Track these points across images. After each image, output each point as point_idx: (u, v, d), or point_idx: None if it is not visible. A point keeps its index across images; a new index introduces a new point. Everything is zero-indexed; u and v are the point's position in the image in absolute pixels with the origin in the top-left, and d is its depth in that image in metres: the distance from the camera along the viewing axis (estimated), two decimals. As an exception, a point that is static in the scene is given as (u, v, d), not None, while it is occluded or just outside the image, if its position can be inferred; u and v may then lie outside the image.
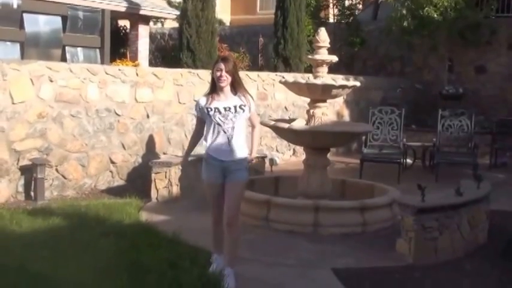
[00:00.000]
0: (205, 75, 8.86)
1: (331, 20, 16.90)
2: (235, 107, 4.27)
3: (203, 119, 4.35)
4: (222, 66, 4.25)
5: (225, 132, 4.25)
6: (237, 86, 4.33)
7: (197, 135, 4.50)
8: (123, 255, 4.59)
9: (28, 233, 5.18)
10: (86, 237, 5.00)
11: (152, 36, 17.12)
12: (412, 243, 4.99)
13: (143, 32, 14.67)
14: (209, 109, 4.26)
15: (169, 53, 16.00)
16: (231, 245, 4.35)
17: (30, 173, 6.87)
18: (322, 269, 4.80)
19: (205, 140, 4.33)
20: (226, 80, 4.26)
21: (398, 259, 5.06)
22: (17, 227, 5.35)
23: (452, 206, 5.15)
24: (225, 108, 4.25)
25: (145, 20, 14.75)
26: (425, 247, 5.01)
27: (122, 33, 16.11)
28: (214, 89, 4.31)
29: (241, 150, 4.33)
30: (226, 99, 4.30)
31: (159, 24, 19.60)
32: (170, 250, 4.80)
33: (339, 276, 4.61)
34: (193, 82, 8.90)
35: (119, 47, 15.09)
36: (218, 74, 4.25)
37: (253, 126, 4.50)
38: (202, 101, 4.34)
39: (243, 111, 4.31)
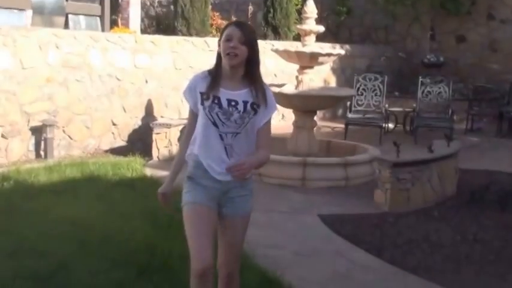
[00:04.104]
0: (200, 42, 9.40)
1: (318, -11, 17.30)
2: (245, 103, 2.75)
3: (196, 113, 2.83)
4: (236, 33, 2.71)
5: (221, 138, 2.76)
6: (254, 72, 2.79)
7: (188, 142, 2.90)
8: (134, 203, 5.22)
9: (47, 184, 5.80)
10: (99, 187, 5.63)
11: (142, 3, 17.42)
12: (387, 193, 5.69)
13: (134, -2, 14.97)
14: (204, 97, 2.75)
15: (160, 21, 16.37)
16: None
17: (40, 133, 7.44)
18: (309, 214, 5.49)
19: (193, 144, 2.85)
20: (239, 56, 2.71)
21: (375, 207, 5.76)
22: (35, 180, 5.96)
23: (423, 161, 5.85)
24: (229, 102, 2.74)
25: (136, -14, 15.03)
26: (399, 197, 5.71)
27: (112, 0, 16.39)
28: (219, 70, 2.79)
29: None
30: (235, 88, 2.77)
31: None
32: (175, 198, 5.41)
33: (324, 221, 5.31)
34: (188, 49, 9.42)
35: (110, 14, 15.43)
36: (228, 45, 2.70)
37: (258, 146, 2.83)
38: (198, 82, 2.80)
39: (255, 113, 2.77)
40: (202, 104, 2.78)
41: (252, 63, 2.77)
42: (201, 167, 2.81)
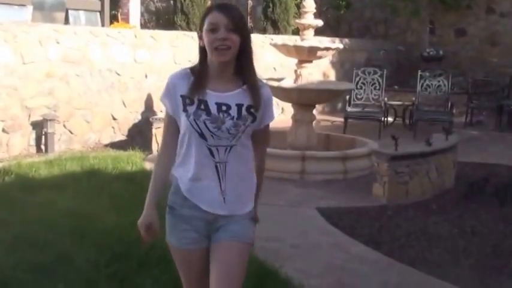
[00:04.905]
0: (200, 37, 9.41)
1: (318, -17, 17.30)
2: (239, 107, 2.21)
3: (176, 122, 2.26)
4: (222, 19, 2.14)
5: (212, 155, 2.20)
6: (248, 66, 2.24)
7: (166, 159, 2.31)
8: (134, 196, 5.25)
9: (48, 178, 5.84)
10: (100, 181, 5.67)
11: (141, -2, 17.43)
12: (386, 186, 5.73)
13: (134, -7, 15.00)
14: (187, 101, 2.19)
15: (160, 16, 16.39)
16: None
17: (40, 127, 7.47)
18: (308, 208, 5.53)
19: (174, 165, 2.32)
20: (231, 49, 2.16)
21: (374, 200, 5.80)
22: (36, 174, 6.00)
23: (421, 154, 5.89)
24: (219, 106, 2.19)
25: (136, -18, 15.06)
26: (398, 190, 5.75)
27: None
28: (204, 67, 2.23)
29: (244, 195, 2.32)
30: (225, 88, 2.22)
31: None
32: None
33: (322, 214, 5.35)
34: (188, 44, 9.44)
35: (110, 9, 15.45)
36: (215, 36, 2.13)
37: (255, 155, 2.34)
38: (177, 83, 2.23)
39: (254, 119, 2.23)
40: (184, 110, 2.18)
41: (244, 55, 2.21)
42: (180, 194, 2.25)
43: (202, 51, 2.23)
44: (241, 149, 2.24)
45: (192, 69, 2.26)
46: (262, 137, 2.36)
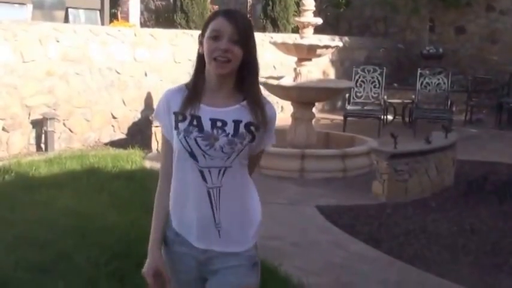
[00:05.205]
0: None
1: (318, -19, 17.31)
2: (236, 123, 1.95)
3: (171, 142, 2.01)
4: (227, 28, 1.91)
5: (204, 178, 1.93)
6: (251, 81, 1.99)
7: (168, 188, 2.03)
8: (134, 195, 5.27)
9: (48, 177, 5.86)
10: (100, 179, 5.69)
11: (141, -3, 17.44)
12: (385, 184, 5.74)
13: (133, -8, 15.00)
14: (179, 118, 1.95)
15: (159, 14, 16.40)
16: None
17: (40, 126, 7.48)
18: (308, 206, 5.54)
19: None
20: (231, 63, 1.93)
21: (373, 198, 5.81)
22: (36, 173, 6.01)
23: (420, 152, 5.90)
24: (213, 122, 1.94)
25: (136, -20, 15.06)
26: (397, 188, 5.76)
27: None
28: (199, 79, 1.99)
29: (243, 227, 2.02)
30: (221, 103, 1.97)
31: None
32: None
33: (322, 212, 5.36)
34: (187, 42, 9.44)
35: (109, 7, 15.46)
36: (217, 45, 1.91)
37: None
38: (172, 99, 2.00)
39: (253, 138, 1.97)
40: (176, 127, 1.94)
41: (248, 68, 1.96)
42: (174, 227, 2.00)
43: (201, 59, 1.98)
44: (237, 171, 1.95)
45: (187, 84, 2.02)
46: (252, 163, 2.05)
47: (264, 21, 12.73)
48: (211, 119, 1.93)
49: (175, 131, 1.95)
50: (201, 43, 1.97)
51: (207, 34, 1.93)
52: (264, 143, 2.04)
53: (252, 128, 1.95)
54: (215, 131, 1.92)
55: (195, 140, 1.91)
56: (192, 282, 2.02)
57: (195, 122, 1.93)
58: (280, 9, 12.60)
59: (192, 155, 1.92)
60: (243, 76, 1.97)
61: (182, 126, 1.93)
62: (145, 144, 7.78)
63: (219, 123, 1.93)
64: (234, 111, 1.95)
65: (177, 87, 2.03)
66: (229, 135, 1.92)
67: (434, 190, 6.05)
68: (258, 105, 1.96)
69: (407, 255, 4.45)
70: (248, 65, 1.97)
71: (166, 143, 2.02)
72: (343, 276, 4.06)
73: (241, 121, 1.94)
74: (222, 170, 1.93)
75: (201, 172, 1.92)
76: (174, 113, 1.96)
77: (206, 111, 1.94)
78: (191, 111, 1.94)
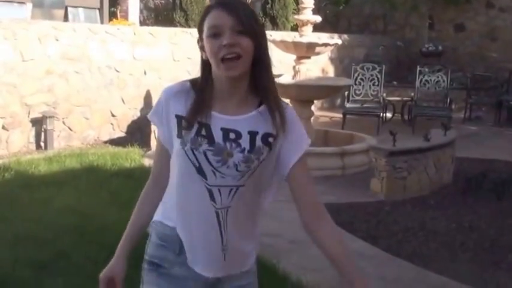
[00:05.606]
0: (198, 34, 9.42)
1: (317, -21, 17.29)
2: (252, 135, 1.66)
3: (169, 152, 1.74)
4: (226, 19, 1.60)
5: (213, 198, 1.67)
6: (265, 79, 1.68)
7: (153, 198, 1.83)
8: (133, 193, 5.27)
9: (47, 175, 5.87)
10: (99, 177, 5.70)
11: (141, -5, 17.44)
12: (384, 182, 5.75)
13: (133, -10, 15.01)
14: (184, 124, 1.67)
15: (159, 13, 16.40)
16: None
17: (40, 124, 7.49)
18: (306, 203, 5.54)
19: (163, 204, 1.82)
20: (242, 58, 1.61)
21: (372, 196, 5.83)
22: (36, 171, 6.03)
23: (419, 150, 5.91)
24: (225, 133, 1.65)
25: (136, -21, 15.08)
26: (395, 185, 5.77)
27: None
28: (208, 84, 1.68)
29: (247, 253, 1.82)
30: (235, 110, 1.68)
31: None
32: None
33: (320, 209, 5.35)
34: (187, 41, 9.42)
35: (109, 6, 15.48)
36: (219, 42, 1.60)
37: (308, 206, 1.97)
38: (173, 99, 1.70)
39: (269, 149, 1.68)
40: (179, 136, 1.65)
41: (260, 65, 1.65)
42: (173, 246, 1.74)
43: (206, 65, 1.66)
44: (251, 192, 1.68)
45: (193, 82, 1.70)
46: (301, 176, 1.78)
47: (263, 19, 12.72)
48: (222, 129, 1.64)
49: (179, 139, 1.65)
50: (202, 48, 1.66)
51: (205, 34, 1.63)
52: (295, 151, 1.71)
53: (270, 139, 1.66)
54: (228, 145, 1.63)
55: (205, 153, 1.62)
56: None
57: (203, 132, 1.63)
58: (280, 7, 12.59)
59: (200, 171, 1.63)
60: (255, 76, 1.66)
61: (188, 135, 1.64)
62: (145, 143, 7.79)
63: (232, 135, 1.63)
64: (249, 120, 1.66)
65: (178, 84, 1.72)
66: (246, 151, 1.63)
67: (433, 187, 6.06)
68: (278, 110, 1.66)
69: (406, 253, 4.47)
70: (260, 62, 1.65)
71: (161, 149, 1.75)
72: (342, 273, 4.06)
73: (257, 132, 1.65)
74: (234, 190, 1.65)
75: (210, 191, 1.65)
76: (177, 117, 1.66)
77: (217, 120, 1.64)
78: (200, 119, 1.64)
